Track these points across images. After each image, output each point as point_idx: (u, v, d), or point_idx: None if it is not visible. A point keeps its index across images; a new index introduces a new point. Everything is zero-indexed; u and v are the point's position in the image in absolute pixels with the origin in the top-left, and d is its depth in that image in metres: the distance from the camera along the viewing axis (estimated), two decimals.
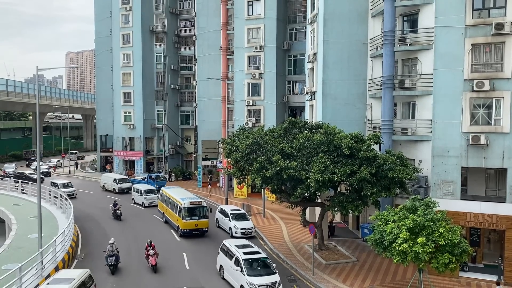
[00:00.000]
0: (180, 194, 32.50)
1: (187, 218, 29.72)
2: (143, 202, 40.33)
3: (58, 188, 42.28)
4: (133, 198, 42.23)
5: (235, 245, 22.76)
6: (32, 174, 54.91)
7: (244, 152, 24.62)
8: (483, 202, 22.31)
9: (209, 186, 46.96)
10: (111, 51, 59.41)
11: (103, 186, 49.55)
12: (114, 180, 48.21)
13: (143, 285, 21.98)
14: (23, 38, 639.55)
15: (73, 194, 43.55)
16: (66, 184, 45.11)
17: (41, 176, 51.69)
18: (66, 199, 34.00)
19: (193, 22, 57.86)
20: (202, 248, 28.09)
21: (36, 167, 24.83)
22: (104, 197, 45.15)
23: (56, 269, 21.89)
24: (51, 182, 45.15)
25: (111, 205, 35.89)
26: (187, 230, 29.77)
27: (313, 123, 26.72)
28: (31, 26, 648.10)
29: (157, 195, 38.46)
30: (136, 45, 56.90)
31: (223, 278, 22.62)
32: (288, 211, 34.52)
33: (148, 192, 40.94)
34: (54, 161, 72.64)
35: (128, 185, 47.46)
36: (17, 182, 43.84)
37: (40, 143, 79.62)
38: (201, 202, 30.80)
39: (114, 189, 47.77)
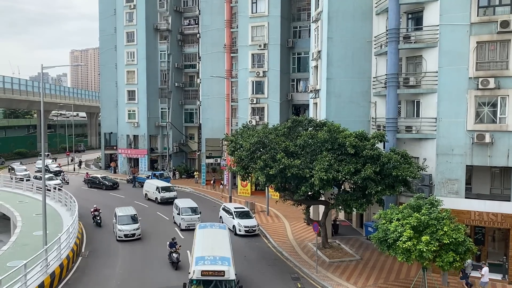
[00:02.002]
0: (205, 248, 19.67)
1: None
2: (180, 224, 32.01)
3: (117, 221, 29.36)
4: (173, 216, 33.95)
5: None
6: (104, 178, 50.58)
7: (249, 150, 24.63)
8: (488, 200, 22.22)
9: (221, 186, 46.34)
10: (116, 49, 59.55)
11: (146, 194, 43.15)
12: (157, 188, 41.38)
13: None
14: (27, 36, 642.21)
15: (134, 233, 28.82)
16: (131, 217, 29.74)
17: (111, 183, 49.27)
18: (71, 196, 34.10)
19: (197, 20, 57.93)
20: None
21: (41, 166, 24.36)
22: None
23: (61, 266, 22.02)
24: (115, 213, 30.76)
25: (168, 242, 24.97)
26: None
27: (318, 120, 26.67)
28: (35, 24, 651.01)
29: (199, 215, 31.96)
30: (140, 43, 56.99)
31: None
32: (292, 209, 34.50)
33: (188, 211, 32.11)
34: (49, 161, 66.79)
35: (172, 194, 40.76)
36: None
37: (45, 141, 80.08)
38: (223, 271, 17.37)
39: (156, 198, 41.10)
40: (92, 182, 50.29)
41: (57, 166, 63.19)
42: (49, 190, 38.97)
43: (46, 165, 62.12)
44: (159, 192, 40.94)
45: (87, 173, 54.49)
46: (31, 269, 19.08)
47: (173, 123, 59.22)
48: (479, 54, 21.97)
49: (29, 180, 45.08)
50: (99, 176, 51.55)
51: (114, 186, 49.28)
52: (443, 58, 22.81)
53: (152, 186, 42.25)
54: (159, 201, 40.53)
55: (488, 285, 20.61)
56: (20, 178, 45.34)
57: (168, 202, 39.59)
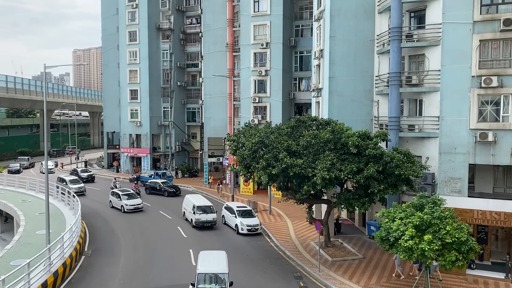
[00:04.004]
0: None
1: None
2: None
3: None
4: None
5: None
6: (165, 183, 45.66)
7: (251, 150, 24.63)
8: (491, 199, 22.16)
9: (220, 185, 46.19)
10: (118, 49, 59.65)
11: (184, 212, 35.20)
12: (194, 207, 32.39)
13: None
14: (30, 35, 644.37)
15: None
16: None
17: (174, 189, 44.36)
18: (73, 195, 34.13)
19: (199, 19, 57.92)
20: None
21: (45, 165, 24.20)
22: None
23: (64, 265, 22.09)
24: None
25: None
26: None
27: (321, 119, 26.64)
28: (38, 24, 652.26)
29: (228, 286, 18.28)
30: (143, 42, 57.05)
31: None
32: (294, 208, 34.49)
33: (212, 279, 18.50)
34: (50, 163, 64.12)
35: (211, 217, 31.81)
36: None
37: (48, 140, 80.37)
38: None
39: (191, 220, 32.52)
40: (152, 188, 45.41)
41: (83, 170, 56.76)
42: (133, 212, 36.39)
43: (75, 172, 55.67)
44: (194, 213, 32.08)
45: (134, 185, 46.13)
46: (34, 268, 19.13)
47: (176, 122, 59.28)
48: (482, 52, 21.89)
49: (82, 193, 40.96)
50: (159, 181, 46.42)
51: (176, 192, 44.30)
52: (446, 56, 22.74)
53: (189, 203, 33.85)
54: (194, 224, 31.95)
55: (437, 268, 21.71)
56: (76, 192, 39.28)
57: (205, 227, 31.75)
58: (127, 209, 36.84)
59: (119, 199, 37.86)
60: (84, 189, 45.35)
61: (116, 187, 44.49)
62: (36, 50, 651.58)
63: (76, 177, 48.21)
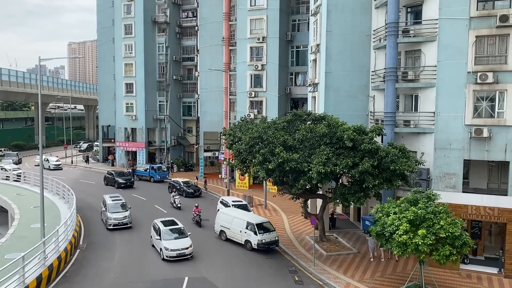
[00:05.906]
0: None
1: None
2: None
3: None
4: None
5: None
6: (187, 183, 42.12)
7: (248, 144, 24.62)
8: (485, 195, 22.30)
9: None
10: (113, 42, 59.27)
11: (221, 231, 28.01)
12: (248, 225, 26.15)
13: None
14: (25, 28, 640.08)
15: None
16: None
17: (193, 190, 40.74)
18: (68, 189, 34.04)
19: (195, 13, 57.65)
20: None
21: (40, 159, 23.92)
22: None
23: (59, 258, 22.06)
24: None
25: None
26: None
27: (317, 114, 26.65)
28: (33, 16, 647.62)
29: None
30: (138, 35, 56.73)
31: None
32: (290, 202, 34.51)
33: None
34: (53, 159, 61.29)
35: (273, 236, 26.06)
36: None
37: (42, 134, 79.80)
38: None
39: (248, 243, 26.02)
40: (173, 187, 41.76)
41: (119, 174, 46.63)
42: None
43: (111, 175, 46.55)
44: (255, 233, 25.68)
45: (196, 208, 32.11)
46: (29, 261, 19.11)
47: (171, 116, 59.12)
48: (478, 48, 21.93)
49: (127, 226, 30.06)
50: (180, 181, 42.63)
51: (195, 193, 40.78)
52: (442, 52, 22.76)
53: (236, 220, 27.18)
54: (254, 246, 25.68)
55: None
56: (116, 225, 29.79)
57: (269, 249, 26.00)
58: (166, 256, 23.85)
59: (158, 237, 25.03)
60: (130, 220, 30.65)
61: (175, 203, 36.11)
62: (31, 42, 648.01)
63: (120, 199, 32.34)
